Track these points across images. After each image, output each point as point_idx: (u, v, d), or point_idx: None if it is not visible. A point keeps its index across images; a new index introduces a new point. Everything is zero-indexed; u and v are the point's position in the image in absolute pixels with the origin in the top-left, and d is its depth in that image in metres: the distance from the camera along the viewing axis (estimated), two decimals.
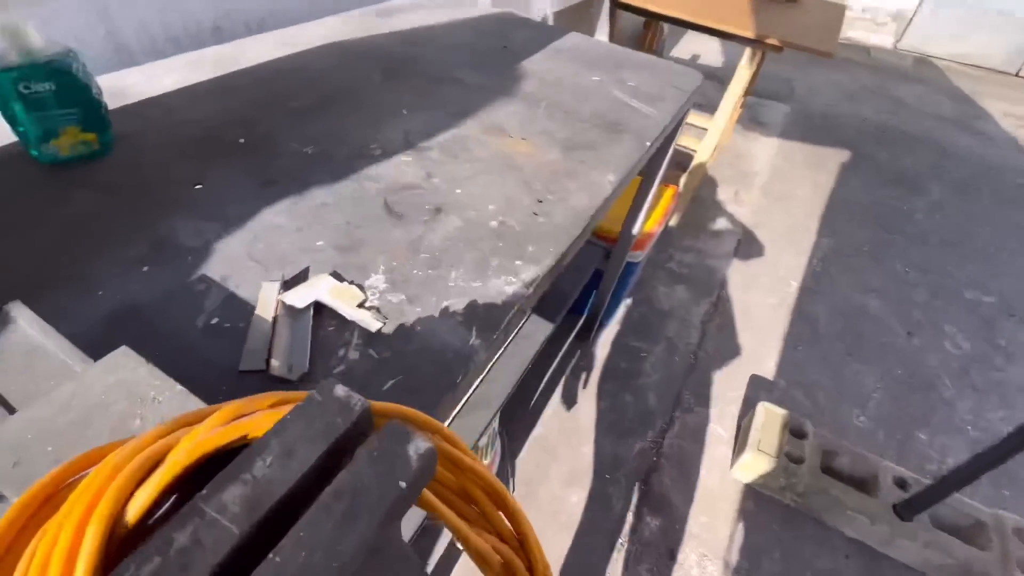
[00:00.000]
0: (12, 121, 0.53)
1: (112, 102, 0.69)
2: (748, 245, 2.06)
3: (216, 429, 0.21)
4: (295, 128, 0.68)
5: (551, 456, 1.31)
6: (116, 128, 0.63)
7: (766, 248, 2.05)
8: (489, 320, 0.46)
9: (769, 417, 1.34)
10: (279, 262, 0.49)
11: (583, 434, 1.37)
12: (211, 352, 0.41)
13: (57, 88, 0.53)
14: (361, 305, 0.45)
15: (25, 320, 0.33)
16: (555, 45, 1.01)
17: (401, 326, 0.44)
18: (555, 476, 1.27)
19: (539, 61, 0.95)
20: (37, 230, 0.49)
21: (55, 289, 0.44)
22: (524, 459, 1.29)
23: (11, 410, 0.28)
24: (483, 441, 0.95)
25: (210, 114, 0.69)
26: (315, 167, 0.62)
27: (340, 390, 0.22)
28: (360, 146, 0.66)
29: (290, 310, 0.43)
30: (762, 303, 1.82)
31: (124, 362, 0.29)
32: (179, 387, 0.28)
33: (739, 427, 1.43)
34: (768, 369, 1.59)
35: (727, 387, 1.52)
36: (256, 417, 0.22)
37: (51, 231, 0.49)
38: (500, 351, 0.99)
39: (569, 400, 1.45)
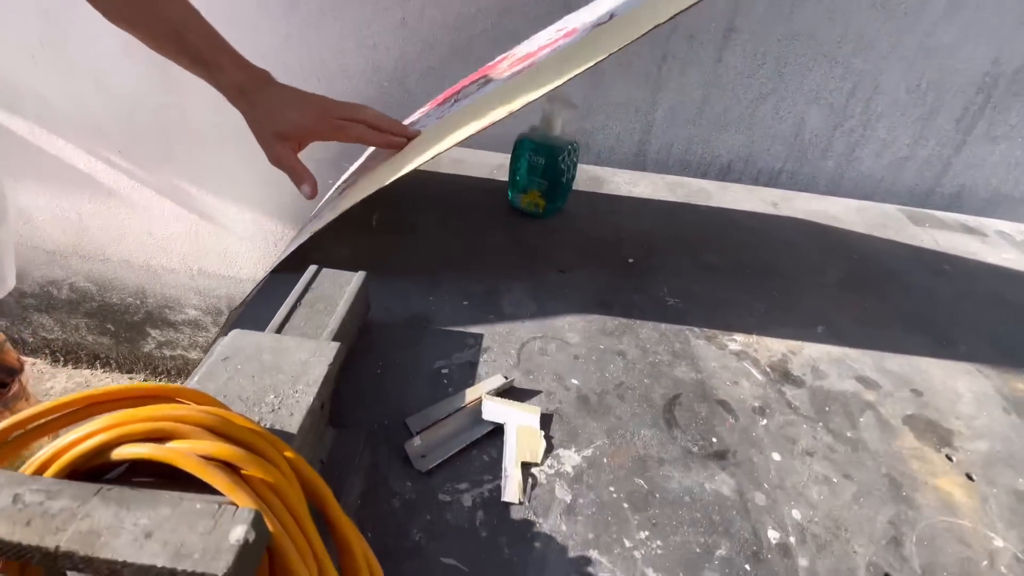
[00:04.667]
0: (513, 171, 0.72)
1: (589, 186, 0.84)
2: None
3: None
4: (684, 278, 0.66)
5: None
6: (569, 205, 0.77)
7: None
8: None
9: None
10: (533, 377, 0.50)
11: None
12: (407, 385, 0.46)
13: (545, 165, 0.68)
14: (527, 465, 0.41)
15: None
16: None
17: (532, 531, 0.38)
18: None
19: None
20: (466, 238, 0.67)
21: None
22: None
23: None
24: None
25: (635, 227, 0.75)
26: (657, 316, 0.58)
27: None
28: (726, 325, 0.58)
29: (475, 411, 0.43)
30: None
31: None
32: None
33: None
34: None
35: None
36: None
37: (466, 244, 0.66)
38: None
39: None
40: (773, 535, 0.39)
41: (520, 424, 0.43)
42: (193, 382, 0.35)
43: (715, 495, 0.41)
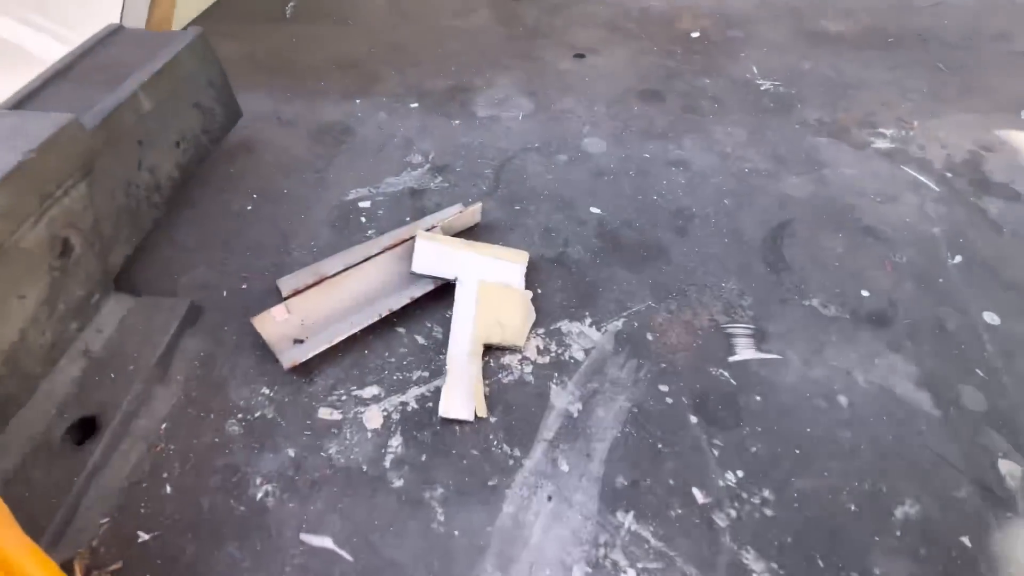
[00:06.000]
0: None
1: None
2: None
3: None
4: (786, 53, 0.40)
5: None
6: None
7: None
8: None
9: None
10: (523, 197, 0.28)
11: None
12: (298, 227, 0.26)
13: None
14: (495, 351, 0.21)
15: None
16: None
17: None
18: None
19: None
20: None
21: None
22: None
23: None
24: None
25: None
26: (744, 107, 0.35)
27: None
28: (865, 114, 0.34)
29: (400, 259, 0.23)
30: None
31: None
32: None
33: None
34: None
35: None
36: None
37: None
38: None
39: None
40: (1012, 471, 0.19)
41: (485, 280, 0.22)
42: None
43: (878, 394, 0.21)
